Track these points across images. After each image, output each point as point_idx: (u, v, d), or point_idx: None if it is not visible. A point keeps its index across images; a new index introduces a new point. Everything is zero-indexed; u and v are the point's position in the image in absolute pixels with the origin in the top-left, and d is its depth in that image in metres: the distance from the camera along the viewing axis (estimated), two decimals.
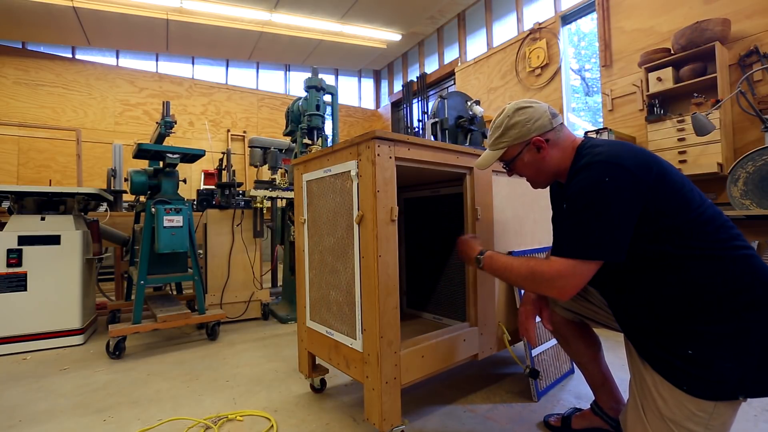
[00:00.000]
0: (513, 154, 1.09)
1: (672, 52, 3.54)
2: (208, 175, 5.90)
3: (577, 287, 0.92)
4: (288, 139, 3.55)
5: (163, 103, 2.50)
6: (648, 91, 3.63)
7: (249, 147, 3.50)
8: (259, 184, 2.82)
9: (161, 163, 2.39)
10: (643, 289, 0.92)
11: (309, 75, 2.83)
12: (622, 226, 0.87)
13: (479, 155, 1.47)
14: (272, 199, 2.89)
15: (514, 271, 1.04)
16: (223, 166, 3.17)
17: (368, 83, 8.97)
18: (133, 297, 2.62)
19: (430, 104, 7.05)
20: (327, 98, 2.94)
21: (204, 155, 2.42)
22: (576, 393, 1.58)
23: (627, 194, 0.87)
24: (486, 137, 1.23)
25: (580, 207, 0.91)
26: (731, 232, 0.88)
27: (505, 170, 1.18)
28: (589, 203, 0.90)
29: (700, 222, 0.87)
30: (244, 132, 7.33)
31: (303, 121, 2.85)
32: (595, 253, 0.89)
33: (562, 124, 1.09)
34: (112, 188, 3.85)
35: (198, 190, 2.94)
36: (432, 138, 2.66)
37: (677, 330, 0.87)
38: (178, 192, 2.43)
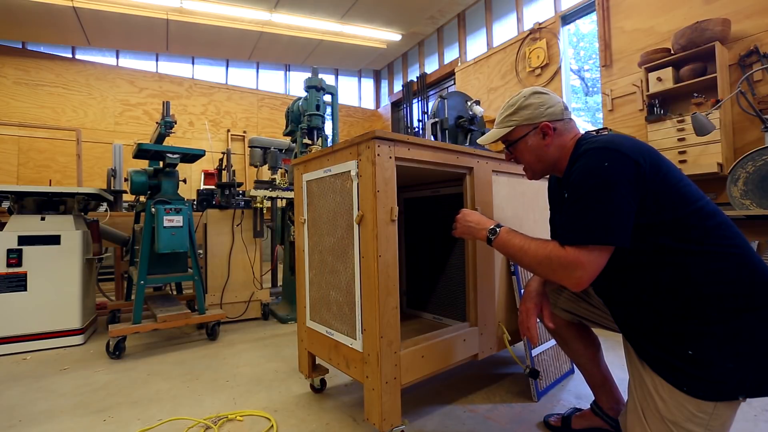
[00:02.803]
0: (519, 135, 1.09)
1: (672, 52, 3.54)
2: (208, 175, 5.89)
3: (593, 277, 0.89)
4: (288, 139, 3.54)
5: (163, 103, 2.50)
6: (648, 91, 3.63)
7: (249, 147, 3.50)
8: (259, 184, 2.82)
9: (161, 163, 2.39)
10: (641, 288, 0.92)
11: (309, 75, 2.83)
12: (626, 210, 0.86)
13: (480, 155, 1.47)
14: (272, 199, 2.88)
15: (530, 253, 0.97)
16: (223, 166, 3.17)
17: (368, 83, 8.96)
18: (133, 297, 2.61)
19: (430, 104, 7.05)
20: (327, 98, 2.94)
21: (204, 155, 2.42)
22: (576, 393, 1.58)
23: (627, 178, 0.87)
24: None
25: (583, 193, 0.90)
26: (731, 230, 0.87)
27: (505, 153, 1.18)
28: (592, 189, 0.89)
29: (701, 216, 0.87)
30: (244, 132, 7.32)
31: (303, 121, 2.85)
32: (609, 239, 0.86)
33: (571, 119, 1.10)
34: (112, 188, 3.85)
35: (198, 190, 2.94)
36: (432, 138, 2.66)
37: (677, 330, 0.86)
38: (178, 192, 2.43)
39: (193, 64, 7.15)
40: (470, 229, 1.16)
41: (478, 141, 1.23)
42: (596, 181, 0.88)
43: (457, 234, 1.21)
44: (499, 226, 1.09)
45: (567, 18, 4.97)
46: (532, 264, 0.97)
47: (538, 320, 1.17)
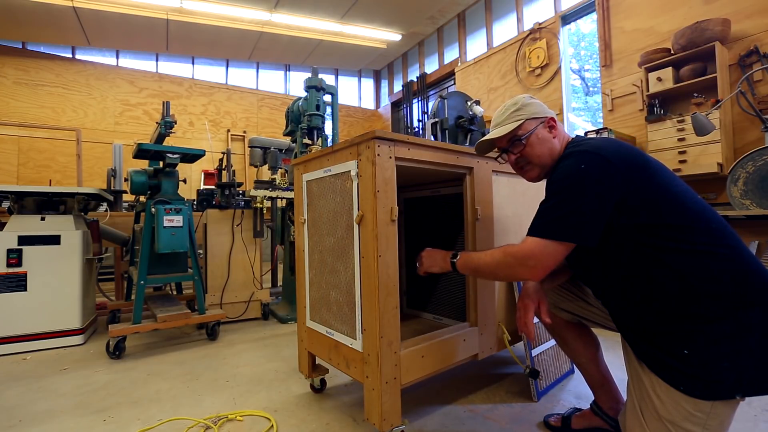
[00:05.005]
0: (529, 128, 1.11)
1: (672, 52, 3.53)
2: (208, 175, 5.89)
3: (547, 268, 0.93)
4: (288, 139, 3.54)
5: (163, 103, 2.50)
6: (648, 91, 3.62)
7: (249, 147, 3.50)
8: (259, 184, 2.82)
9: (161, 163, 2.39)
10: (636, 288, 0.92)
11: (309, 75, 2.83)
12: (593, 210, 0.90)
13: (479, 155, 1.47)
14: (272, 199, 2.89)
15: (487, 260, 1.04)
16: (223, 166, 3.17)
17: (368, 83, 8.96)
18: (133, 297, 2.61)
19: (430, 104, 7.05)
20: (327, 98, 2.94)
21: (204, 155, 2.42)
22: (576, 393, 1.58)
23: (601, 180, 0.90)
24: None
25: (555, 190, 0.96)
26: (724, 230, 0.88)
27: (510, 152, 1.14)
28: (564, 187, 0.93)
29: (691, 216, 0.88)
30: (244, 132, 7.32)
31: (303, 121, 2.85)
32: (565, 235, 0.91)
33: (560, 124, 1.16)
34: (112, 188, 3.85)
35: (198, 190, 2.94)
36: (432, 138, 2.66)
37: (673, 330, 0.86)
38: (178, 192, 2.43)
39: (193, 64, 7.15)
40: (434, 260, 1.23)
41: (487, 137, 1.17)
42: (569, 182, 0.93)
43: (422, 270, 1.28)
44: (456, 255, 1.17)
45: (567, 18, 4.97)
46: (497, 268, 1.02)
47: (536, 318, 1.18)
